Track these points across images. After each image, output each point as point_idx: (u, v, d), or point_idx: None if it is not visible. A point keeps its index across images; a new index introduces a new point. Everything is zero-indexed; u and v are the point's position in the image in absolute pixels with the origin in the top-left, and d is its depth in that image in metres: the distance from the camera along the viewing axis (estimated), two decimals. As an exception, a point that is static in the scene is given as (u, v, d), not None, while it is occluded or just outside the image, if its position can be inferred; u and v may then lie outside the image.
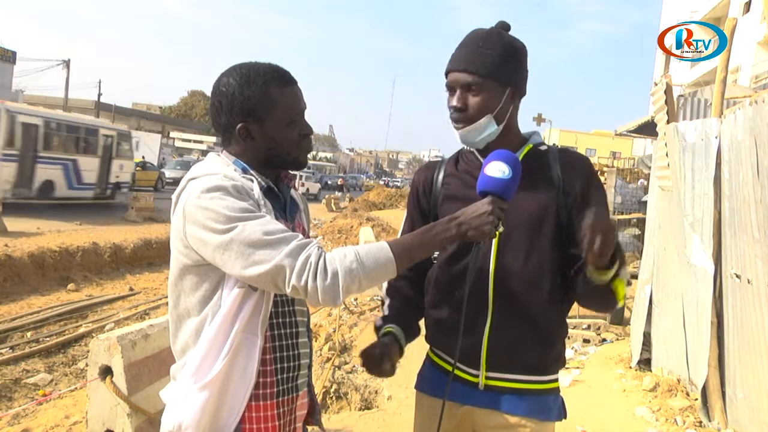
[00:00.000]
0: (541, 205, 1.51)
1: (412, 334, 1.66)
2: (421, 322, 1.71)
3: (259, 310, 1.35)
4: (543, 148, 1.59)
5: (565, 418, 1.60)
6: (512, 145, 1.54)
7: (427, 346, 1.71)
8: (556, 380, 1.60)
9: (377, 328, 1.65)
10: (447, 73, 1.54)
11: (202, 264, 1.33)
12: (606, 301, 1.47)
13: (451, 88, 1.53)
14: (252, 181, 1.38)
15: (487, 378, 1.53)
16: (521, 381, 1.53)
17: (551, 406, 1.56)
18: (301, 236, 1.29)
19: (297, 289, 1.24)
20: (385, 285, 1.71)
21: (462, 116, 1.50)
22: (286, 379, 1.43)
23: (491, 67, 1.48)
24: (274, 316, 1.40)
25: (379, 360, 1.51)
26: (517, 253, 1.50)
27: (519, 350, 1.51)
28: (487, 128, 1.51)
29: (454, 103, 1.50)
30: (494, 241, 1.51)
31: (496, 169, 1.34)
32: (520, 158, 1.53)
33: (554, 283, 1.52)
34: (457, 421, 1.57)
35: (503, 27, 1.56)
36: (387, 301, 1.71)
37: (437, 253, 1.61)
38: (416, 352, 1.81)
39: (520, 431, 1.52)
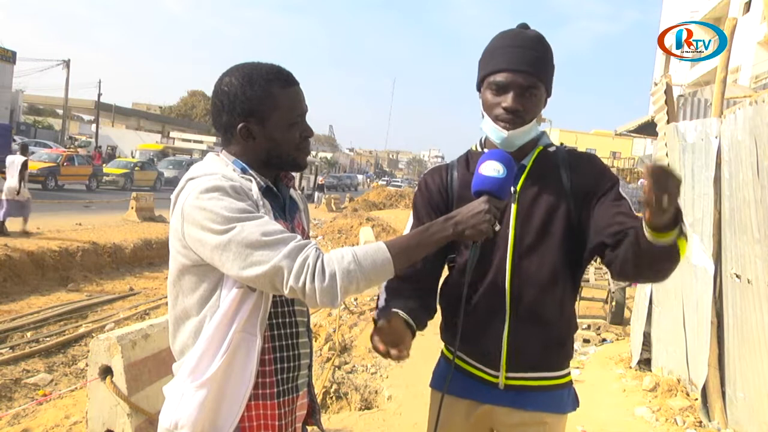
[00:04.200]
0: (553, 207, 1.52)
1: (419, 319, 1.53)
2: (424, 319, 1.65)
3: (258, 309, 1.35)
4: (552, 149, 1.60)
5: (578, 407, 1.65)
6: (527, 147, 1.56)
7: (430, 347, 1.73)
8: (569, 374, 1.65)
9: (375, 321, 1.52)
10: (497, 72, 1.50)
11: (200, 264, 1.33)
12: (668, 263, 1.30)
13: (503, 88, 1.49)
14: (251, 181, 1.38)
15: (507, 378, 1.57)
16: (539, 378, 1.58)
17: (566, 399, 1.61)
18: (299, 237, 1.29)
19: (295, 291, 1.24)
20: (383, 283, 1.68)
21: (516, 118, 1.49)
22: (286, 379, 1.43)
23: (544, 72, 1.51)
24: (273, 316, 1.40)
25: (390, 334, 1.37)
26: (532, 257, 1.52)
27: (536, 350, 1.55)
28: (533, 131, 1.54)
29: (510, 104, 1.48)
30: (509, 246, 1.53)
31: (491, 168, 1.36)
32: (531, 160, 1.56)
33: (566, 284, 1.55)
34: (474, 419, 1.62)
35: (525, 28, 1.56)
36: (381, 298, 1.62)
37: (455, 256, 1.62)
38: (418, 352, 1.81)
39: (539, 426, 1.57)
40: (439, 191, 1.66)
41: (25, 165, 10.23)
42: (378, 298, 1.67)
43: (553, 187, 1.53)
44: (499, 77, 1.49)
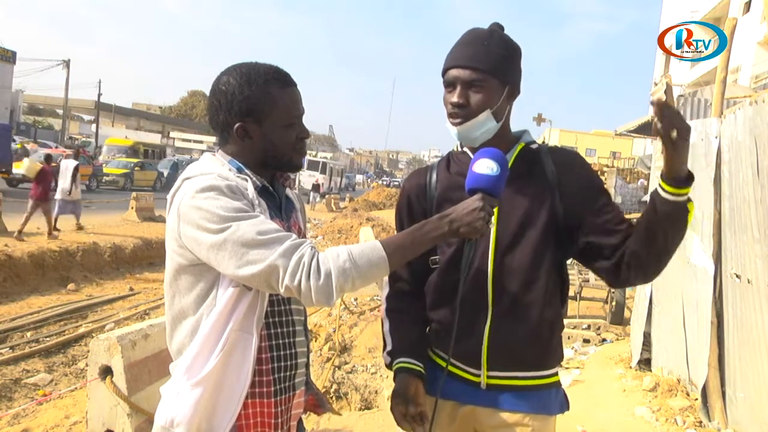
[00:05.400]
0: (536, 203, 1.51)
1: (424, 351, 1.63)
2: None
3: (254, 308, 1.35)
4: (534, 146, 1.60)
5: (568, 410, 1.61)
6: (505, 144, 1.55)
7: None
8: (556, 374, 1.61)
9: (387, 366, 1.63)
10: (447, 70, 1.53)
11: (197, 264, 1.33)
12: (679, 225, 1.37)
13: (451, 84, 1.52)
14: (246, 180, 1.38)
15: (488, 377, 1.54)
16: (522, 378, 1.55)
17: (552, 401, 1.58)
18: (294, 236, 1.29)
19: (290, 289, 1.24)
20: (384, 305, 1.69)
21: (462, 112, 1.50)
22: (283, 378, 1.43)
23: (494, 65, 1.49)
24: (270, 315, 1.40)
25: (404, 409, 1.49)
26: (515, 253, 1.51)
27: (519, 348, 1.52)
28: (486, 124, 1.51)
29: (455, 99, 1.50)
30: (491, 242, 1.52)
31: (485, 166, 1.36)
32: (513, 157, 1.55)
33: (551, 280, 1.53)
34: (458, 421, 1.59)
35: (499, 27, 1.57)
36: (386, 325, 1.66)
37: (438, 257, 1.62)
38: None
39: (523, 428, 1.53)
40: (418, 195, 1.65)
41: (77, 168, 11.57)
42: (382, 324, 1.68)
43: (536, 182, 1.53)
44: (448, 74, 1.53)
